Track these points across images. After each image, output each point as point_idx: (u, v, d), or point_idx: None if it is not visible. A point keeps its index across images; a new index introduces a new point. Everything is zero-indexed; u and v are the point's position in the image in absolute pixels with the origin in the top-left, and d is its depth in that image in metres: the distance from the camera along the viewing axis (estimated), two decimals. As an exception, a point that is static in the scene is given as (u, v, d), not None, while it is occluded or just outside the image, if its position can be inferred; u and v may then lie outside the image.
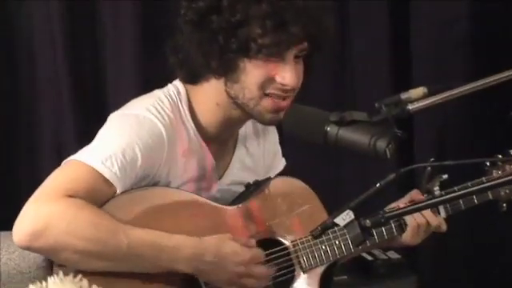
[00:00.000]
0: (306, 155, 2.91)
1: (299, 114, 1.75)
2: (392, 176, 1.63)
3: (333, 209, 1.68)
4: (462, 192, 1.65)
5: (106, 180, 1.91)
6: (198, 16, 1.97)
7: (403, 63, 3.13)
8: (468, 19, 3.11)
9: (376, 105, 1.64)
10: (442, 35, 3.12)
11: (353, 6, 3.12)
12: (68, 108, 2.90)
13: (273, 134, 2.28)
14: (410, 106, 1.64)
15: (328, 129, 1.65)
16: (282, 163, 2.38)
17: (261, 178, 2.25)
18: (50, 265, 2.20)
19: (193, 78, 2.07)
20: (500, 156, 2.25)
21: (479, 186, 1.66)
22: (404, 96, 1.65)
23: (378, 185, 1.62)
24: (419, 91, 1.66)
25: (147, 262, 1.92)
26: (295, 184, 2.21)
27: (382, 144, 1.61)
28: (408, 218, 2.20)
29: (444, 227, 2.22)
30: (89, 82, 2.95)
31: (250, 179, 2.21)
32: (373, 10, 3.13)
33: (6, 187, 2.87)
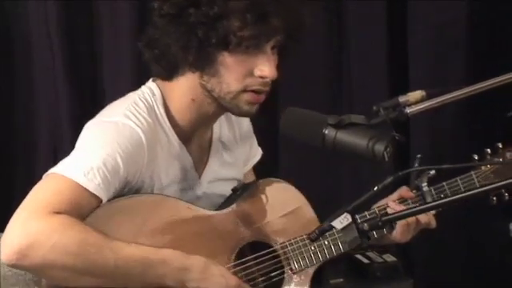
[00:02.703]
0: (302, 159, 2.90)
1: (297, 117, 1.74)
2: (389, 179, 1.63)
3: (330, 212, 1.67)
4: (456, 197, 1.65)
5: (89, 192, 1.88)
6: (175, 9, 1.95)
7: (400, 65, 3.12)
8: (466, 20, 3.10)
9: (374, 108, 1.63)
10: (439, 36, 3.12)
11: (350, 7, 3.11)
12: (64, 108, 2.89)
13: (246, 125, 2.28)
14: (408, 110, 1.64)
15: (326, 132, 1.65)
16: (258, 153, 2.38)
17: (240, 170, 2.27)
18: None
19: (169, 73, 2.05)
20: (488, 150, 2.22)
21: (472, 192, 1.65)
22: (402, 99, 1.65)
23: (375, 188, 1.62)
24: (417, 94, 1.66)
25: (135, 278, 1.90)
26: (282, 186, 2.21)
27: (380, 147, 1.61)
28: None
29: (433, 223, 2.19)
30: (86, 82, 2.94)
31: (231, 174, 2.22)
32: (370, 11, 3.12)
33: (2, 189, 2.86)
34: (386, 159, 1.61)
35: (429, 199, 2.17)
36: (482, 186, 2.07)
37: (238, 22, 1.92)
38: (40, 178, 1.94)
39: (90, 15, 2.92)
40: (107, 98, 2.92)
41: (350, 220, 1.61)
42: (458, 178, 2.21)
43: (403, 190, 2.19)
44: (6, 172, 2.91)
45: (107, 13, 2.91)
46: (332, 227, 1.63)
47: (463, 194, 1.75)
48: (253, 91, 2.00)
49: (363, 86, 3.11)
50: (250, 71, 1.99)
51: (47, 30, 2.86)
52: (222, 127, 2.20)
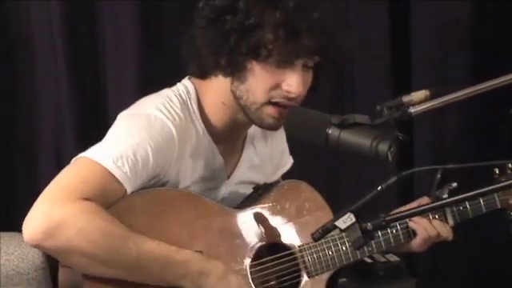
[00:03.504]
0: (304, 159, 2.90)
1: (301, 117, 1.74)
2: (393, 179, 1.62)
3: (332, 211, 1.67)
4: (467, 195, 1.63)
5: (116, 180, 1.89)
6: (213, 14, 1.97)
7: (403, 65, 3.12)
8: (468, 20, 3.10)
9: (378, 107, 1.63)
10: (441, 36, 3.12)
11: (352, 7, 3.11)
12: (67, 108, 2.89)
13: (280, 132, 2.24)
14: (412, 109, 1.63)
15: (329, 131, 1.64)
16: (289, 161, 2.37)
17: (268, 176, 2.26)
18: (49, 266, 2.20)
19: (202, 72, 2.07)
20: (510, 164, 2.20)
21: (485, 189, 1.64)
22: (406, 99, 1.65)
23: (379, 188, 1.61)
24: (421, 94, 1.66)
25: (154, 274, 1.90)
26: (304, 188, 2.20)
27: (383, 147, 1.60)
28: (420, 230, 2.19)
29: (451, 237, 2.21)
30: (88, 82, 2.94)
31: (258, 178, 2.21)
32: (372, 11, 3.12)
33: (4, 188, 2.85)
34: (390, 159, 1.60)
35: (448, 212, 2.18)
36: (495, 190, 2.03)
37: (270, 34, 1.93)
38: (41, 178, 1.94)
39: (93, 15, 2.92)
40: (110, 97, 2.92)
41: (354, 220, 1.61)
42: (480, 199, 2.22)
43: (423, 201, 2.18)
44: (7, 172, 2.90)
45: (110, 12, 2.91)
46: (335, 227, 1.63)
47: (473, 193, 1.69)
48: (276, 103, 2.00)
49: (366, 86, 3.11)
50: (277, 84, 1.99)
51: (50, 29, 2.85)
52: (256, 131, 2.19)
